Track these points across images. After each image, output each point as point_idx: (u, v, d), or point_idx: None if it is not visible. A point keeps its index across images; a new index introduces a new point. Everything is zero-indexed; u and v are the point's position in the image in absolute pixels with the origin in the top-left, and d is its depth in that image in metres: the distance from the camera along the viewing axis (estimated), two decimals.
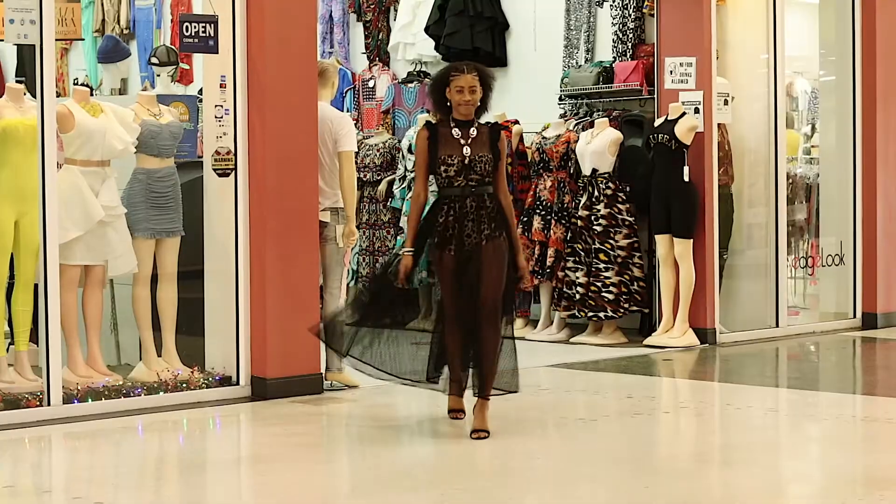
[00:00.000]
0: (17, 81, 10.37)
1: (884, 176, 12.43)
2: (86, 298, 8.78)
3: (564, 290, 11.44)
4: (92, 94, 9.23)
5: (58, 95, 8.50)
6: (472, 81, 7.60)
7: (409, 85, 13.19)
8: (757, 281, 11.93)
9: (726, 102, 11.39)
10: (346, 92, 13.57)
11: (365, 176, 12.67)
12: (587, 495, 6.60)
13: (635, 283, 11.26)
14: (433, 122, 7.80)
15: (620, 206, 11.23)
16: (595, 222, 11.24)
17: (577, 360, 10.53)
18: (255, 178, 8.87)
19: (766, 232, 11.93)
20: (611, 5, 11.99)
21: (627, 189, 11.30)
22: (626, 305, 11.25)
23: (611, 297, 11.19)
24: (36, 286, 8.39)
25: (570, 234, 11.48)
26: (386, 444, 7.70)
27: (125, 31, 14.56)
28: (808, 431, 8.28)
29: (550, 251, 11.47)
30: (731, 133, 11.69)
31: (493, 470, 7.06)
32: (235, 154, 8.85)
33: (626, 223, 11.24)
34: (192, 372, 8.90)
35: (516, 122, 11.81)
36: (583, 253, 11.35)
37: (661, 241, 11.15)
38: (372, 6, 13.70)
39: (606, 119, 11.45)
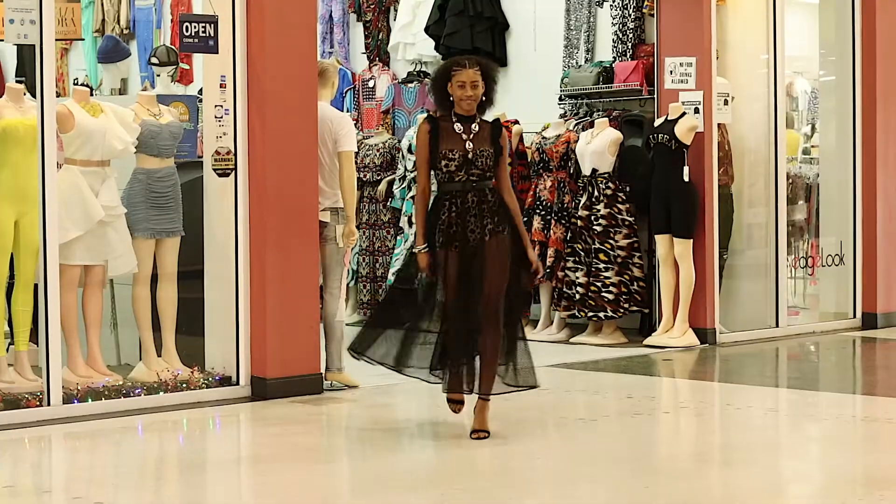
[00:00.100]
0: (16, 81, 10.38)
1: (884, 176, 12.43)
2: (86, 298, 8.78)
3: (564, 290, 11.44)
4: (92, 94, 9.23)
5: (58, 95, 8.49)
6: (474, 76, 7.50)
7: (409, 85, 13.19)
8: (757, 281, 11.93)
9: (726, 102, 11.39)
10: (346, 92, 13.57)
11: (365, 176, 12.68)
12: (587, 495, 6.60)
13: (635, 283, 11.26)
14: (435, 116, 7.70)
15: (620, 206, 11.23)
16: (595, 222, 11.24)
17: (577, 360, 10.52)
18: (254, 179, 8.87)
19: (766, 232, 11.93)
20: (611, 5, 11.99)
21: (627, 189, 11.30)
22: (626, 305, 11.25)
23: (611, 297, 11.19)
24: (36, 286, 8.39)
25: (569, 234, 11.48)
26: (386, 444, 7.70)
27: (125, 31, 14.56)
28: (808, 431, 8.28)
29: (550, 251, 11.47)
30: (731, 133, 11.69)
31: (493, 470, 7.06)
32: (235, 154, 8.85)
33: (626, 223, 11.24)
34: (192, 372, 8.90)
35: (516, 122, 11.82)
36: (583, 253, 11.35)
37: (660, 241, 11.15)
38: (372, 6, 13.69)
39: (606, 119, 11.45)
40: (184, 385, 8.73)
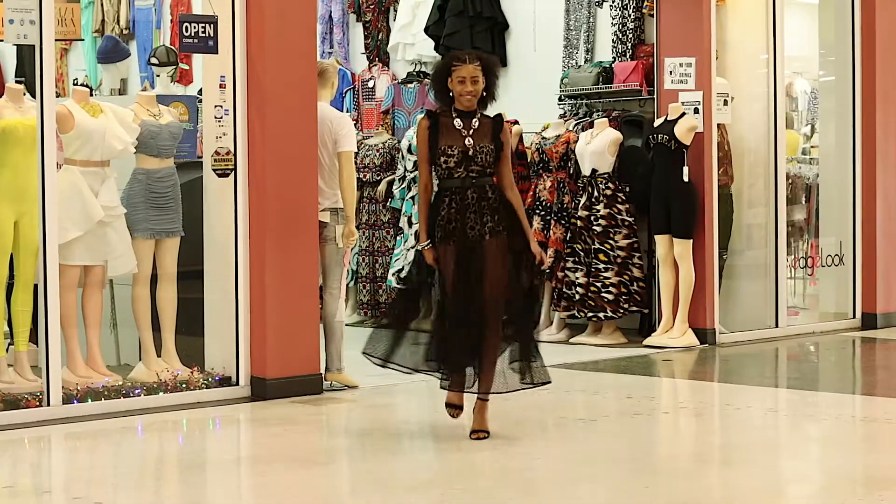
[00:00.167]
0: (16, 82, 10.38)
1: (883, 176, 12.43)
2: (85, 298, 8.78)
3: (564, 290, 11.44)
4: (91, 95, 9.23)
5: (57, 96, 8.50)
6: (475, 72, 7.44)
7: (409, 85, 13.19)
8: (756, 281, 11.93)
9: (726, 103, 11.39)
10: (346, 92, 13.57)
11: (364, 176, 12.68)
12: (587, 496, 6.60)
13: (635, 284, 11.26)
14: (434, 111, 7.64)
15: (620, 206, 11.23)
16: (595, 222, 11.24)
17: (576, 360, 10.52)
18: (254, 179, 8.87)
19: (766, 232, 11.93)
20: (610, 5, 11.99)
21: (627, 189, 11.30)
22: (626, 306, 11.25)
23: (610, 297, 11.19)
24: (35, 286, 8.39)
25: (569, 235, 11.48)
26: (385, 444, 7.70)
27: (125, 32, 14.56)
28: (808, 432, 8.28)
29: (550, 251, 11.46)
30: (731, 133, 11.69)
31: (493, 470, 7.06)
32: (235, 154, 8.85)
33: (626, 223, 11.24)
34: (191, 372, 8.90)
35: (516, 122, 11.81)
36: (582, 253, 11.35)
37: (660, 241, 11.15)
38: (371, 6, 13.69)
39: (606, 119, 11.45)
40: (183, 385, 8.73)
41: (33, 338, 8.58)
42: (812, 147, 13.97)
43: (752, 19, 11.90)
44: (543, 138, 11.70)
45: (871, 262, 12.42)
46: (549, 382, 7.64)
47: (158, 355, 9.03)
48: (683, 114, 11.04)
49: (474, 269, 7.38)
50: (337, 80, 9.68)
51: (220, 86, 8.86)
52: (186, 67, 13.70)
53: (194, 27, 8.73)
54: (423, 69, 13.18)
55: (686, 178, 10.98)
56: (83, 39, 14.03)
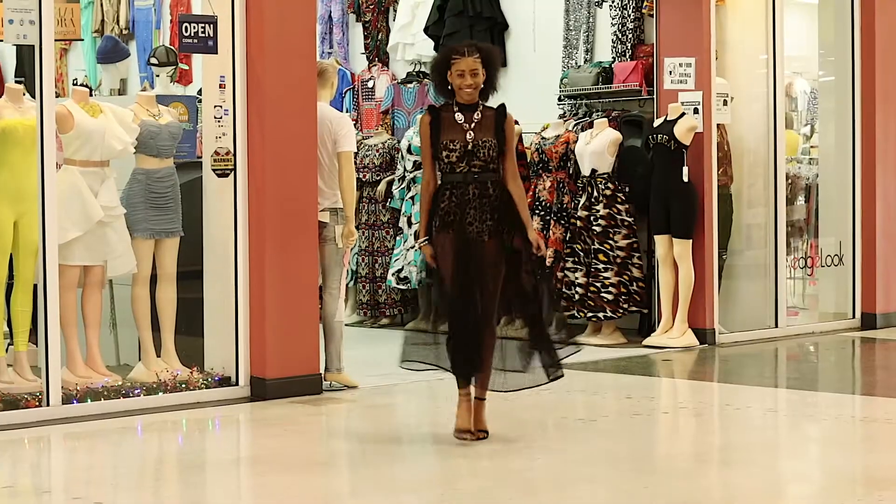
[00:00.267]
0: (16, 82, 10.39)
1: (883, 176, 12.43)
2: (85, 299, 8.79)
3: (563, 290, 11.44)
4: (91, 95, 9.24)
5: (57, 96, 8.51)
6: (474, 64, 7.33)
7: (409, 85, 13.19)
8: (756, 281, 11.93)
9: (725, 103, 11.39)
10: (346, 92, 13.57)
11: (364, 176, 12.68)
12: (587, 496, 6.60)
13: (634, 284, 11.26)
14: (436, 106, 7.56)
15: (620, 206, 11.23)
16: (594, 223, 11.24)
17: (576, 360, 10.47)
18: (254, 179, 8.87)
19: (766, 232, 11.93)
20: (610, 6, 11.99)
21: (627, 189, 11.30)
22: (626, 306, 11.25)
23: (610, 297, 11.19)
24: (35, 286, 8.39)
25: (569, 235, 11.48)
26: (385, 444, 7.70)
27: (124, 32, 14.57)
28: (808, 432, 8.28)
29: (549, 252, 11.46)
30: (731, 133, 11.69)
31: (493, 470, 7.05)
32: (235, 154, 8.85)
33: (626, 223, 11.24)
34: (191, 372, 8.90)
35: (515, 122, 11.77)
36: (582, 253, 11.35)
37: (660, 241, 11.15)
38: (371, 6, 13.69)
39: (606, 119, 11.45)
40: (183, 385, 8.73)
41: (33, 338, 8.58)
42: (812, 147, 13.96)
43: (751, 19, 11.91)
44: (543, 138, 11.70)
45: (871, 263, 12.42)
46: (562, 376, 7.58)
47: (158, 355, 9.03)
48: (683, 114, 11.04)
49: (473, 268, 7.30)
50: (336, 81, 9.68)
51: (220, 86, 8.86)
52: (186, 67, 13.71)
53: (194, 27, 8.73)
54: (423, 69, 13.18)
55: (686, 179, 10.98)
56: (83, 39, 14.03)
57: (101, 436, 7.95)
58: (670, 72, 11.24)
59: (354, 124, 12.23)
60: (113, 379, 8.69)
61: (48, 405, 8.14)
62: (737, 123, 11.76)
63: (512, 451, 7.36)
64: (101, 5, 14.76)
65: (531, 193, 11.58)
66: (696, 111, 11.09)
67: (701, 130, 11.07)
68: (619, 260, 11.20)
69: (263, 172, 8.83)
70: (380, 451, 7.50)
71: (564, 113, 12.17)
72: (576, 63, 12.31)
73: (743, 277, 11.95)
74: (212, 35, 8.75)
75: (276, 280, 8.83)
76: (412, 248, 11.97)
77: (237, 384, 8.88)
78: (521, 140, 11.78)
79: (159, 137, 8.91)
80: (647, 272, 11.40)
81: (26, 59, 13.23)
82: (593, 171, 11.28)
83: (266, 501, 6.60)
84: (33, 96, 8.25)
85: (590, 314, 11.25)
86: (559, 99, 12.25)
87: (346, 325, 9.94)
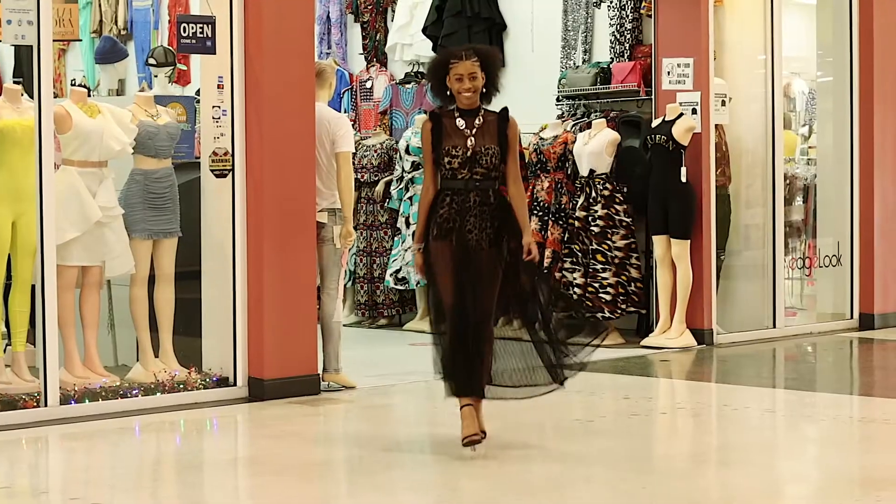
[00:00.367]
0: (14, 82, 10.38)
1: (881, 177, 12.43)
2: (83, 299, 8.78)
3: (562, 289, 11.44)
4: (89, 95, 9.23)
5: (55, 96, 8.51)
6: (472, 68, 7.19)
7: (407, 86, 13.19)
8: (754, 282, 11.93)
9: (724, 103, 11.39)
10: (344, 93, 13.57)
11: (362, 177, 12.68)
12: (585, 496, 6.60)
13: (632, 284, 11.26)
14: (437, 112, 7.40)
15: (618, 206, 11.23)
16: (592, 223, 11.25)
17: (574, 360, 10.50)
18: (252, 179, 8.87)
19: (764, 233, 11.93)
20: (608, 6, 11.99)
21: (625, 190, 11.30)
22: (624, 306, 11.25)
23: (608, 297, 11.19)
24: (33, 287, 8.39)
25: (567, 235, 11.48)
26: (382, 445, 7.69)
27: (123, 32, 14.57)
28: (806, 432, 8.28)
29: (548, 252, 11.46)
30: (729, 134, 11.69)
31: (491, 471, 7.05)
32: (233, 155, 8.85)
33: (624, 224, 11.24)
34: (189, 373, 8.90)
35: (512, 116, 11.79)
36: (580, 254, 11.35)
37: (658, 241, 11.15)
38: (369, 7, 13.70)
39: (604, 120, 11.45)
40: (181, 386, 8.73)
41: (31, 338, 8.57)
42: (810, 147, 13.97)
43: (749, 20, 11.91)
44: (541, 139, 11.70)
45: (869, 263, 12.42)
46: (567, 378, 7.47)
47: (156, 356, 9.03)
48: (681, 114, 11.04)
49: (471, 276, 7.18)
50: (335, 81, 9.68)
51: (218, 86, 8.86)
52: (184, 68, 13.70)
53: (192, 28, 8.73)
54: (421, 70, 13.18)
55: (684, 179, 10.98)
56: (81, 40, 14.04)
57: (98, 436, 7.95)
58: (668, 72, 11.24)
59: (353, 125, 12.23)
60: (111, 379, 8.69)
61: (46, 406, 8.14)
62: (735, 124, 11.76)
63: (510, 451, 7.36)
64: (100, 6, 14.76)
65: (529, 193, 11.58)
66: (694, 112, 11.10)
67: (699, 131, 11.07)
68: (617, 260, 11.20)
69: (262, 173, 8.83)
70: (377, 452, 7.50)
71: (563, 113, 12.17)
72: (574, 63, 12.31)
73: (741, 278, 11.95)
74: (210, 35, 8.75)
75: (275, 280, 8.83)
76: (410, 248, 11.97)
77: (235, 385, 8.88)
78: (519, 140, 11.78)
79: (157, 138, 8.90)
80: (645, 272, 11.40)
81: (24, 60, 13.23)
82: (591, 171, 11.28)
83: (263, 502, 6.61)
84: (31, 97, 8.25)
85: (588, 315, 11.24)
86: (557, 99, 12.25)
87: (344, 325, 9.93)
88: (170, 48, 11.11)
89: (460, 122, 7.28)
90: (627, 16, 11.83)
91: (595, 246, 11.23)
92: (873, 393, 9.71)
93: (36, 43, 8.05)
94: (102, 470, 7.34)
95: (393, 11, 13.59)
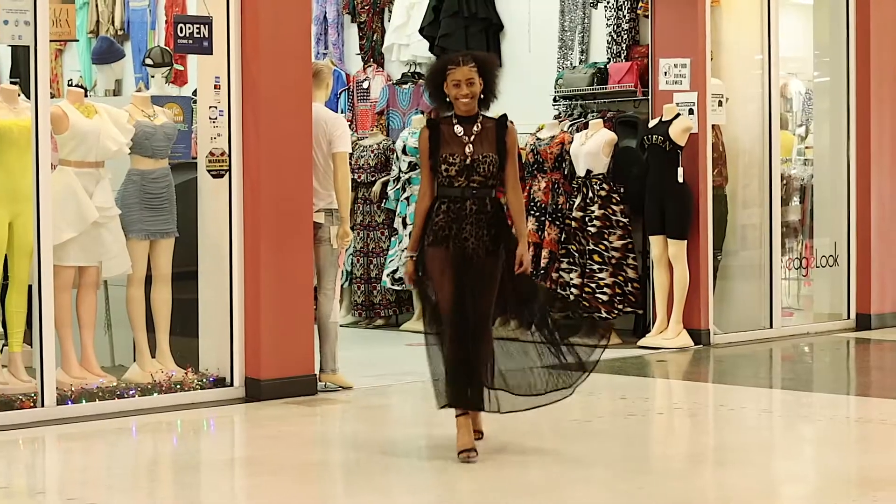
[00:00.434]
0: (11, 82, 10.37)
1: (878, 177, 12.44)
2: (80, 299, 8.78)
3: (558, 291, 11.44)
4: (86, 96, 9.22)
5: (52, 96, 8.50)
6: (470, 73, 7.14)
7: (404, 86, 13.19)
8: (751, 282, 11.94)
9: (720, 104, 11.40)
10: (341, 93, 13.57)
11: (359, 177, 12.68)
12: (582, 496, 6.60)
13: (629, 284, 11.26)
14: (435, 119, 7.33)
15: (615, 207, 11.23)
16: (589, 223, 11.25)
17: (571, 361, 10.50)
18: (249, 180, 8.86)
19: (760, 233, 11.94)
20: (605, 6, 11.99)
21: (622, 190, 11.30)
22: (621, 306, 11.26)
23: (605, 298, 11.20)
24: (30, 287, 8.39)
25: (564, 236, 11.48)
26: (380, 445, 7.69)
27: (119, 32, 14.55)
28: (802, 432, 8.28)
29: (544, 252, 11.47)
30: (726, 134, 11.69)
31: (488, 471, 7.04)
32: (229, 155, 8.85)
33: (621, 224, 11.24)
34: (186, 373, 8.89)
35: (511, 122, 11.79)
36: (577, 254, 11.35)
37: (655, 242, 11.16)
38: (366, 7, 13.70)
39: (601, 120, 11.45)
40: (178, 386, 8.73)
41: (27, 339, 8.57)
42: (806, 148, 13.97)
43: (746, 20, 11.91)
44: (538, 139, 11.71)
45: (866, 263, 12.43)
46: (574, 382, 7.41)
47: (153, 356, 9.02)
48: (678, 115, 11.04)
49: (469, 280, 7.11)
50: (331, 81, 9.68)
51: (215, 87, 8.86)
52: (181, 68, 13.69)
53: (189, 28, 8.72)
54: (418, 70, 13.19)
55: (681, 179, 10.98)
56: (78, 40, 14.02)
57: (95, 437, 7.95)
58: (665, 73, 11.24)
59: (349, 125, 12.24)
60: (108, 380, 8.68)
61: (43, 406, 8.13)
62: (732, 124, 11.77)
63: (507, 452, 7.36)
64: (97, 6, 14.75)
65: (526, 194, 11.58)
66: (691, 112, 11.10)
67: (696, 131, 11.08)
68: (613, 261, 11.20)
69: (258, 173, 8.83)
70: (374, 453, 7.49)
71: (559, 114, 12.17)
72: (571, 64, 12.32)
73: (738, 278, 11.95)
74: (207, 36, 8.75)
75: (271, 281, 8.83)
76: (406, 249, 11.97)
77: (232, 385, 8.88)
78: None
79: (154, 138, 8.90)
80: (641, 273, 11.40)
81: (21, 60, 13.20)
82: (588, 171, 11.28)
83: (260, 503, 6.60)
84: (28, 97, 8.24)
85: (585, 314, 11.23)
86: (554, 100, 12.25)
87: (341, 325, 9.95)
88: (166, 48, 11.10)
89: (458, 129, 7.22)
90: (624, 16, 11.84)
91: (592, 246, 11.23)
92: (870, 393, 9.71)
93: (33, 43, 8.05)
94: (99, 470, 7.34)
95: (390, 12, 13.60)
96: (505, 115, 7.38)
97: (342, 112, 13.38)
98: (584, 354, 7.44)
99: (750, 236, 12.02)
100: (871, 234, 12.40)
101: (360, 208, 12.77)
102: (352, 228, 10.54)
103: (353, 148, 11.82)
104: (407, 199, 12.21)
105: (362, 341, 11.87)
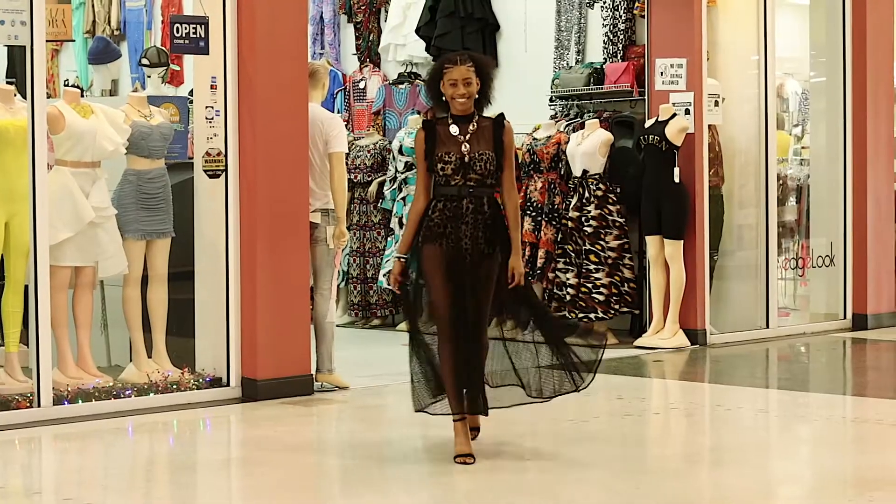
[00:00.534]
0: (7, 82, 10.37)
1: (874, 177, 12.45)
2: (76, 299, 8.78)
3: (555, 291, 11.45)
4: (82, 96, 9.23)
5: (48, 97, 8.49)
6: (467, 73, 7.11)
7: (400, 86, 13.19)
8: (747, 282, 11.94)
9: (717, 104, 11.40)
10: (337, 93, 13.57)
11: (355, 177, 12.67)
12: (578, 496, 6.61)
13: (626, 284, 11.26)
14: (431, 120, 7.32)
15: (611, 207, 11.24)
16: (586, 223, 11.25)
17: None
18: (245, 180, 8.86)
19: (757, 233, 11.94)
20: (601, 7, 11.99)
21: (618, 190, 11.30)
22: (617, 306, 11.26)
23: (601, 298, 11.20)
24: (26, 287, 8.38)
25: (560, 236, 11.48)
26: (376, 445, 7.70)
27: (116, 33, 14.55)
28: (799, 432, 8.29)
29: (541, 252, 11.47)
30: (722, 134, 11.70)
31: (484, 471, 7.04)
32: (226, 155, 8.84)
33: (617, 224, 11.25)
34: (182, 373, 8.89)
35: (507, 121, 11.79)
36: (573, 254, 11.35)
37: (651, 242, 11.16)
38: (363, 7, 13.69)
39: (597, 120, 11.46)
40: (174, 386, 8.72)
41: (24, 339, 8.56)
42: (803, 148, 13.97)
43: (743, 20, 11.92)
44: (534, 139, 11.71)
45: (862, 263, 12.43)
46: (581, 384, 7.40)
47: (149, 356, 9.02)
48: (674, 115, 11.05)
49: (466, 285, 7.06)
50: (328, 81, 9.68)
51: (211, 87, 8.86)
52: (177, 68, 13.69)
53: (185, 28, 8.72)
54: (415, 70, 13.19)
55: (677, 179, 10.98)
56: (74, 40, 14.00)
57: (92, 437, 7.95)
58: (661, 73, 11.24)
59: (346, 125, 12.23)
60: (104, 380, 8.68)
61: (39, 406, 8.13)
62: (728, 124, 11.77)
63: (503, 452, 7.36)
64: (93, 6, 14.75)
65: (523, 194, 11.58)
66: (687, 112, 11.10)
67: (692, 131, 11.08)
68: (610, 261, 11.20)
69: (255, 173, 8.82)
70: (370, 453, 7.50)
71: (556, 114, 12.17)
72: (567, 64, 12.32)
73: (734, 278, 11.96)
74: (203, 36, 8.75)
75: (268, 281, 8.82)
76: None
77: (228, 385, 8.87)
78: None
79: (150, 138, 8.90)
80: (638, 273, 11.41)
81: (17, 60, 13.19)
82: (584, 171, 11.29)
83: (256, 502, 6.60)
84: (24, 97, 8.24)
85: (581, 315, 11.25)
86: (550, 100, 12.25)
87: (338, 325, 9.95)
88: (163, 48, 11.11)
89: (454, 129, 7.19)
90: (620, 16, 11.84)
91: (588, 246, 11.23)
92: (866, 393, 9.72)
93: (29, 43, 8.04)
94: (95, 470, 7.34)
95: (386, 12, 13.59)
96: (502, 115, 7.36)
97: (338, 112, 13.37)
98: (584, 354, 7.41)
99: (746, 236, 12.03)
100: (868, 234, 12.40)
101: (357, 208, 12.76)
102: (348, 228, 10.53)
103: (349, 148, 11.82)
104: (403, 199, 12.20)
105: (359, 341, 11.86)
